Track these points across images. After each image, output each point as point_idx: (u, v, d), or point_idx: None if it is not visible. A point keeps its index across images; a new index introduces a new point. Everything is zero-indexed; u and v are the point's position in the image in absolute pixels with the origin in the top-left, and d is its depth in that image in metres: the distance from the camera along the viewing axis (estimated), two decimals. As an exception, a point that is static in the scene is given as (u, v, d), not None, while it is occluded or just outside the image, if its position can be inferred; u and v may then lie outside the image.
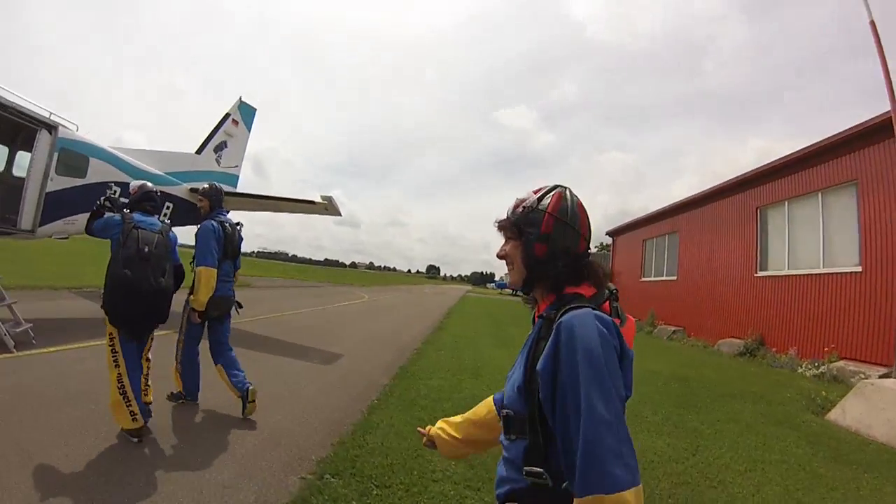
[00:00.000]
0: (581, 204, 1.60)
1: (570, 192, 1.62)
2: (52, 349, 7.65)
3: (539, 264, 1.54)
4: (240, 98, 18.66)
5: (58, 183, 10.24)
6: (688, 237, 22.39)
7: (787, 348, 14.55)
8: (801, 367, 13.06)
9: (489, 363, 10.50)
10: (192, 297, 5.50)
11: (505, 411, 1.50)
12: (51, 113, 10.05)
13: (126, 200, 5.13)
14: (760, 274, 16.73)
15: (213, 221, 5.64)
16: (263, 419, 5.64)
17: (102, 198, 5.06)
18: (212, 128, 17.50)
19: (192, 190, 13.51)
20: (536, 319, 1.54)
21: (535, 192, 1.62)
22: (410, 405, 6.64)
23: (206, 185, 5.98)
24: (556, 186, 1.63)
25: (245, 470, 4.29)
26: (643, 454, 5.43)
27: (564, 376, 1.26)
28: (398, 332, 15.15)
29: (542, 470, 1.33)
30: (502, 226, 1.66)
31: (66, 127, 10.52)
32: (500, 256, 1.65)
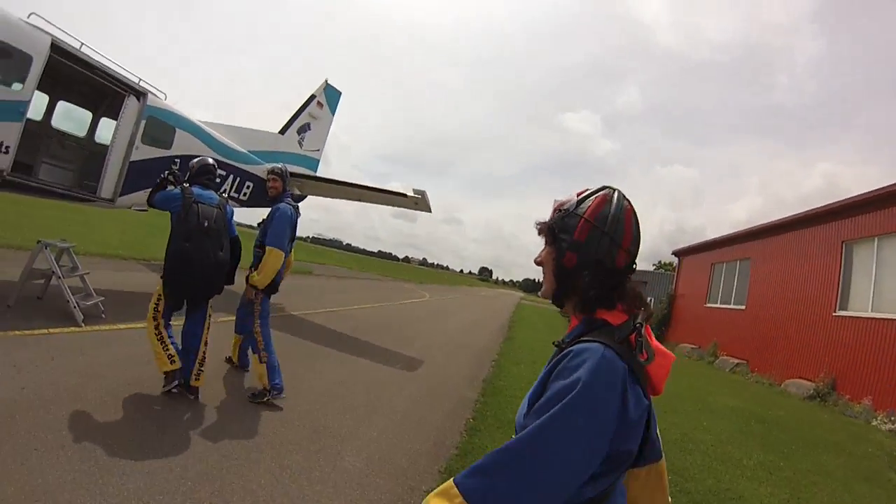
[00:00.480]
0: (630, 210, 1.36)
1: (620, 195, 1.38)
2: (121, 326, 7.25)
3: (567, 275, 1.36)
4: (325, 80, 17.84)
5: (142, 152, 9.74)
6: (761, 265, 20.63)
7: (861, 397, 13.08)
8: (877, 420, 11.78)
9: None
10: (254, 274, 5.42)
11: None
12: (140, 79, 9.56)
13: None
14: (840, 313, 15.04)
15: (289, 206, 5.61)
16: (360, 435, 5.08)
17: (166, 171, 5.26)
18: (296, 109, 16.80)
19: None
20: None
21: (579, 194, 1.43)
22: (509, 426, 6.05)
23: (279, 166, 5.90)
24: (604, 188, 1.41)
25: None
26: (747, 501, 5.26)
27: (541, 404, 1.17)
28: (469, 339, 14.53)
29: None
30: (541, 229, 1.45)
31: (155, 94, 10.04)
32: (536, 263, 1.47)
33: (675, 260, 32.69)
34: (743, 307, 21.44)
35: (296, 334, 9.42)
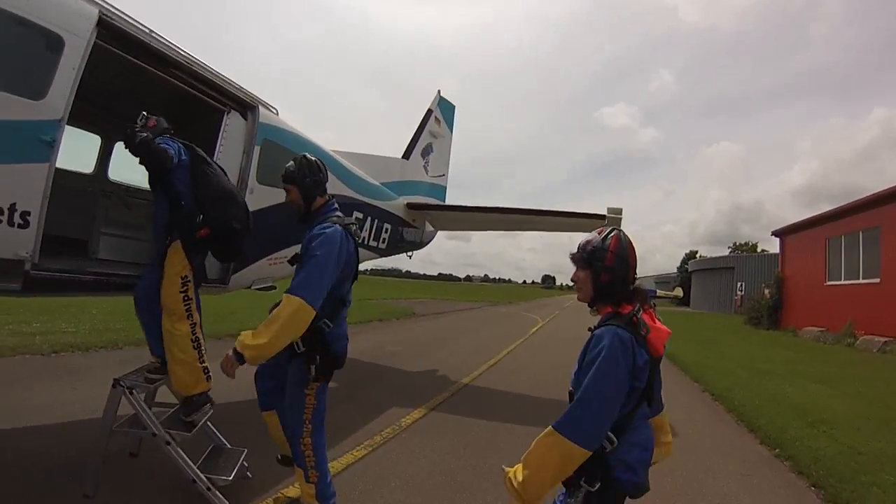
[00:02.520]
0: (631, 242, 2.39)
1: (624, 234, 2.39)
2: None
3: (602, 288, 2.34)
4: (438, 92, 14.36)
5: (260, 198, 5.86)
6: (895, 231, 18.79)
7: None
8: None
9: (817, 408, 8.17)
10: (246, 334, 3.20)
11: (570, 389, 2.29)
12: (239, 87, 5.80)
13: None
14: None
15: (339, 226, 3.48)
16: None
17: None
18: (415, 128, 13.34)
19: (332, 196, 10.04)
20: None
21: (599, 233, 2.40)
22: None
23: (310, 157, 3.90)
24: (613, 229, 2.40)
25: None
26: None
27: (585, 366, 2.18)
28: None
29: None
30: (575, 258, 2.44)
31: (267, 107, 6.19)
32: (573, 280, 2.46)
33: (752, 239, 29.70)
34: (877, 280, 19.61)
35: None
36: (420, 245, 11.87)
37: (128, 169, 7.07)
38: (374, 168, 10.03)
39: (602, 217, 9.53)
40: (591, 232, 2.48)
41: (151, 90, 5.71)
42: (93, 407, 5.31)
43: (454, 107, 15.10)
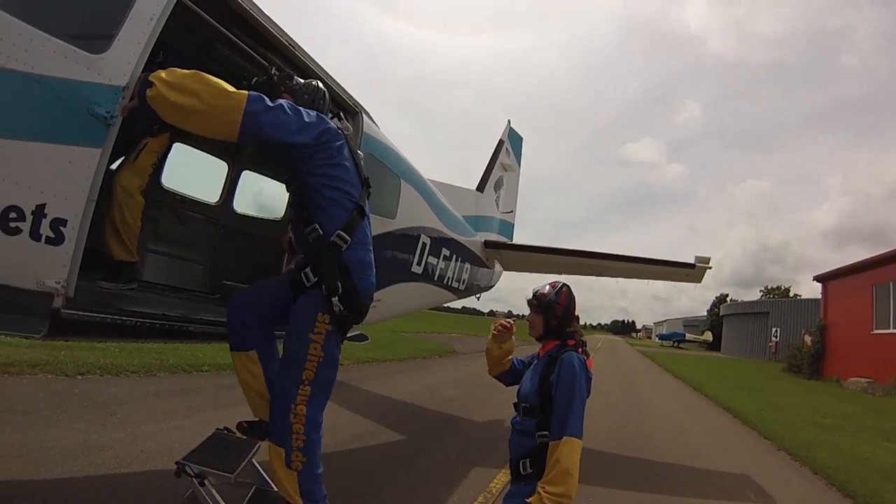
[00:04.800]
0: (574, 297, 3.08)
1: (569, 288, 3.09)
2: None
3: (552, 329, 2.99)
4: (508, 122, 13.20)
5: None
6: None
7: None
8: None
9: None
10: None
11: (523, 404, 2.92)
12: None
13: None
14: None
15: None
16: None
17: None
18: (488, 159, 12.15)
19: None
20: (541, 354, 3.04)
21: (552, 286, 3.06)
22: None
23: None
24: (563, 285, 3.08)
25: None
26: None
27: (562, 384, 2.73)
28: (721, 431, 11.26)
29: (546, 433, 2.70)
30: (531, 304, 3.05)
31: (369, 116, 4.99)
32: (528, 319, 3.10)
33: (780, 281, 28.70)
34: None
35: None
36: (489, 288, 10.57)
37: (181, 176, 5.73)
38: (448, 199, 8.73)
39: (692, 266, 8.83)
40: (546, 284, 3.13)
41: (235, 74, 4.38)
42: (127, 458, 4.70)
43: (522, 139, 13.92)
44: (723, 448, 9.07)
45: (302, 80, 3.38)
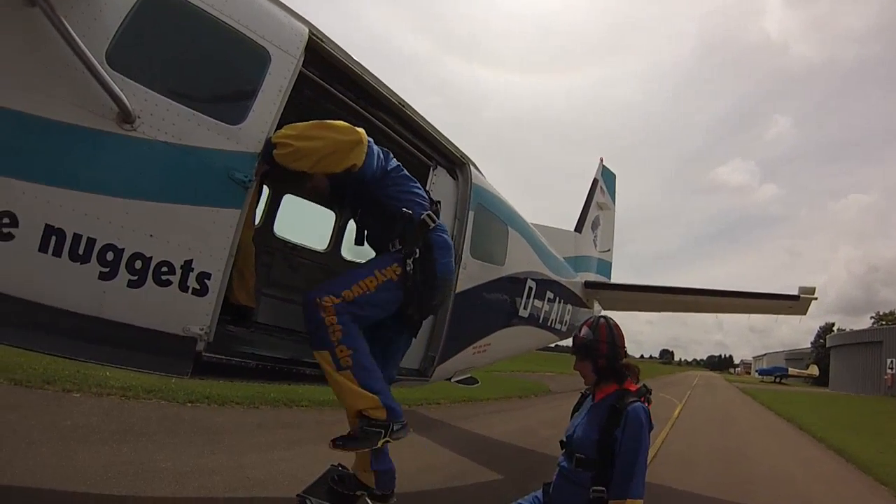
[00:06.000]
0: (616, 325, 2.84)
1: (608, 319, 2.88)
2: None
3: (603, 371, 2.79)
4: (601, 160, 13.01)
5: (472, 274, 4.68)
6: None
7: None
8: None
9: None
10: None
11: (578, 454, 2.71)
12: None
13: None
14: None
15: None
16: None
17: None
18: (584, 198, 12.00)
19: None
20: (598, 398, 2.83)
21: (588, 325, 2.88)
22: None
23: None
24: (599, 318, 2.89)
25: None
26: None
27: (627, 440, 2.57)
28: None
29: (603, 489, 2.57)
30: (574, 352, 2.90)
31: (476, 167, 5.08)
32: (575, 368, 2.91)
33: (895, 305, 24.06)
34: None
35: None
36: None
37: (292, 225, 6.23)
38: (547, 240, 8.65)
39: (795, 297, 8.32)
40: (582, 325, 2.97)
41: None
42: (234, 483, 4.92)
43: (615, 175, 13.57)
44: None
45: None
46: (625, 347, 2.82)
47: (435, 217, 3.31)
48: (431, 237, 3.22)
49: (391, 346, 3.45)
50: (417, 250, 3.12)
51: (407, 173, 3.41)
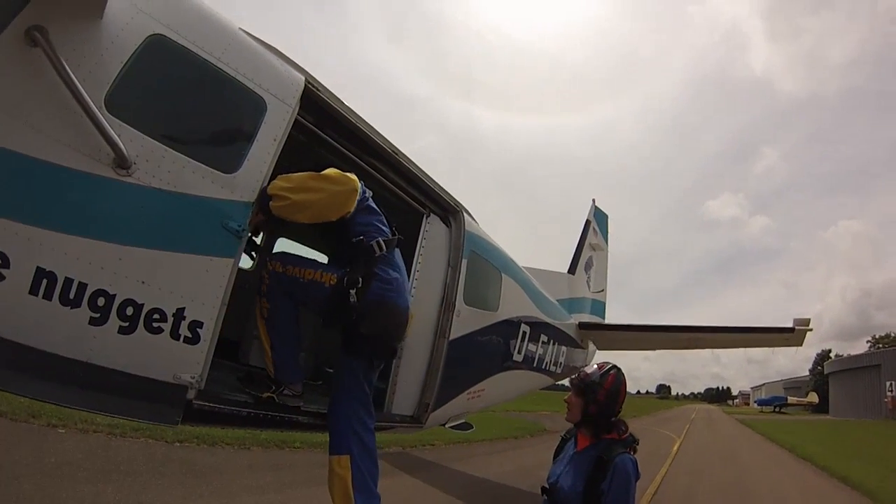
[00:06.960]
0: (624, 381, 2.75)
1: (620, 372, 2.75)
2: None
3: (590, 417, 2.68)
4: (593, 202, 13.35)
5: (466, 321, 4.69)
6: None
7: None
8: None
9: None
10: None
11: (547, 486, 2.77)
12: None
13: None
14: None
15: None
16: None
17: None
18: (577, 240, 12.29)
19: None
20: (581, 446, 2.75)
21: (599, 367, 2.77)
22: None
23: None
24: (613, 367, 2.76)
25: None
26: None
27: (615, 494, 2.47)
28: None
29: None
30: (573, 384, 2.80)
31: (469, 214, 5.18)
32: (566, 401, 2.79)
33: (890, 328, 24.18)
34: None
35: None
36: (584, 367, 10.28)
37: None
38: (541, 283, 8.74)
39: (790, 330, 8.46)
40: (594, 364, 2.87)
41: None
42: None
43: (607, 216, 13.85)
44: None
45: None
46: (621, 406, 2.72)
47: (383, 245, 3.31)
48: (375, 267, 3.27)
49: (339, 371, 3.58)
50: (360, 278, 3.17)
51: (373, 205, 3.46)
